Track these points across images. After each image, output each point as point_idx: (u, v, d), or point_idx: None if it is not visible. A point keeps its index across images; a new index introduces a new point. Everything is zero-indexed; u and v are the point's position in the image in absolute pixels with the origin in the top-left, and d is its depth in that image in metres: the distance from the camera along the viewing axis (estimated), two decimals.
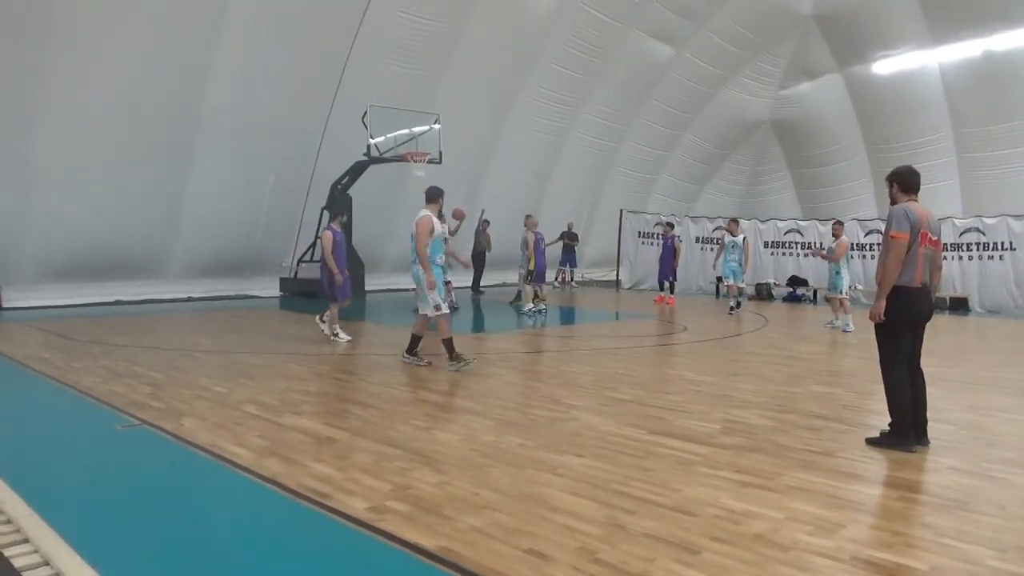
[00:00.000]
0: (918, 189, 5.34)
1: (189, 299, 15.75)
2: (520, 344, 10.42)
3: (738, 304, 15.02)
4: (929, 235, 5.19)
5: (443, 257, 8.42)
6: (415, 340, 8.19)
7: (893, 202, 5.36)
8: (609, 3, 18.66)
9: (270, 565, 3.21)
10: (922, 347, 5.35)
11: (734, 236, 15.13)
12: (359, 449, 4.87)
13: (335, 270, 9.66)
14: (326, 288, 9.95)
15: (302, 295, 16.59)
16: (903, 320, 5.14)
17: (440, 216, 8.40)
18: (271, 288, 17.19)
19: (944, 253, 17.21)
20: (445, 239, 8.40)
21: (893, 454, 4.98)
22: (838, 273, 12.90)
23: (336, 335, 9.97)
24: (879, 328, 5.22)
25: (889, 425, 5.19)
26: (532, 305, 14.00)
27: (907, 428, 5.09)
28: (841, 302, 12.71)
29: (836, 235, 13.04)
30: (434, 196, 8.11)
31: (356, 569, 3.27)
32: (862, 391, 7.28)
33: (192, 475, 4.50)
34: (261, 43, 14.23)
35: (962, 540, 3.47)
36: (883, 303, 5.13)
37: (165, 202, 14.66)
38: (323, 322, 10.12)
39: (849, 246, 13.60)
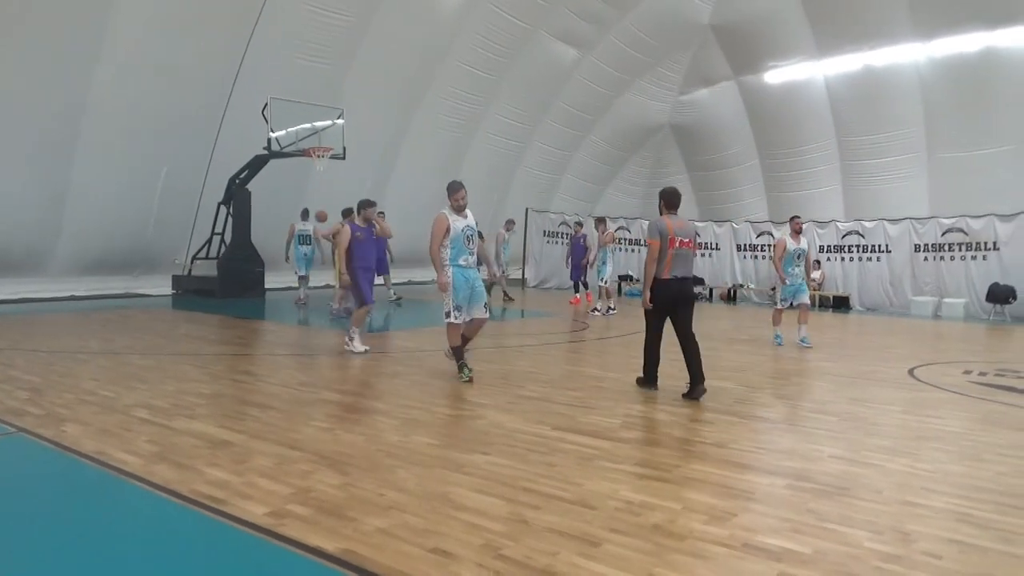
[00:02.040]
0: (677, 206, 7.03)
1: (72, 298, 14.83)
2: (427, 342, 10.35)
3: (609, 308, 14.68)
4: (678, 239, 6.76)
5: (470, 258, 7.30)
6: (457, 352, 7.40)
7: (660, 214, 7.05)
8: (517, 4, 18.80)
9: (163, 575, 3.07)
10: (691, 323, 6.96)
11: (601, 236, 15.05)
12: (257, 452, 4.72)
13: (342, 268, 9.00)
14: (354, 290, 9.23)
15: (197, 293, 15.93)
16: (660, 301, 6.84)
17: (460, 211, 7.28)
18: (163, 286, 16.41)
19: (827, 255, 18.52)
20: (468, 238, 7.25)
21: (779, 445, 5.26)
22: (604, 263, 14.58)
23: (351, 340, 9.01)
24: (648, 319, 7.07)
25: (643, 371, 7.13)
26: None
27: (651, 382, 7.09)
28: (608, 291, 14.67)
29: (600, 230, 14.66)
30: (448, 191, 7.37)
31: None
32: (752, 385, 7.64)
33: (76, 485, 4.23)
34: (152, 30, 13.56)
35: (843, 524, 3.69)
36: (648, 293, 6.89)
37: (45, 194, 13.73)
38: (351, 340, 9.04)
39: (614, 239, 15.81)
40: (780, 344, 10.66)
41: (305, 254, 15.14)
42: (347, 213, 12.67)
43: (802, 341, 10.51)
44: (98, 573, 3.10)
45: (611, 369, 8.31)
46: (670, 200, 7.01)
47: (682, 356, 6.78)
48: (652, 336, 7.04)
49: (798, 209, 21.01)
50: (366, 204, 9.52)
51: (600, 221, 15.29)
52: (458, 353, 7.42)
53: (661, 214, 7.02)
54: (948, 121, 18.46)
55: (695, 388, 6.64)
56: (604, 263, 14.63)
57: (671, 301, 6.84)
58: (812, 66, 20.62)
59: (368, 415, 5.86)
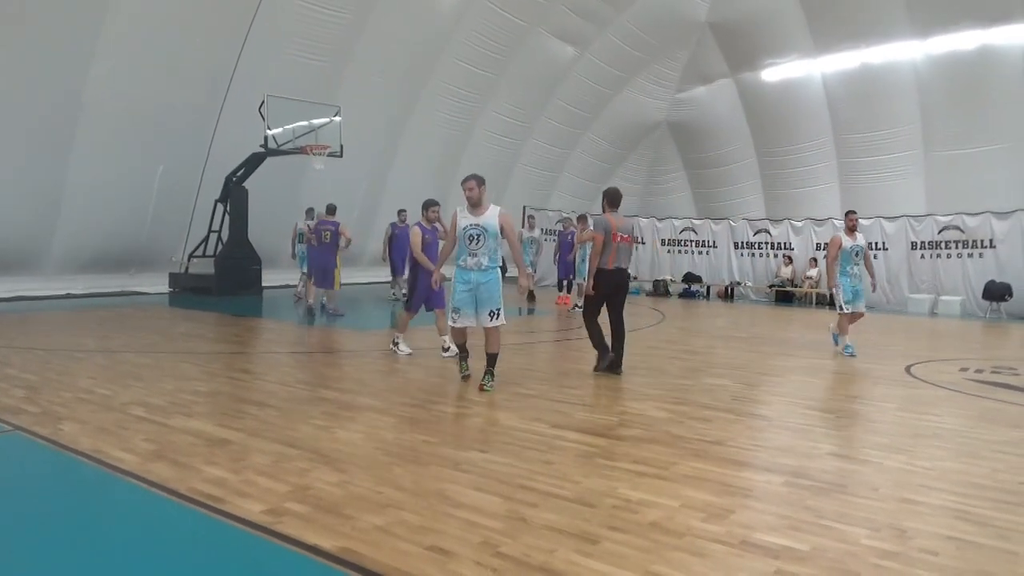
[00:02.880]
0: (619, 205, 7.84)
1: (69, 296, 14.80)
2: (423, 340, 10.34)
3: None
4: (619, 235, 7.61)
5: (469, 260, 6.75)
6: (491, 359, 6.96)
7: (603, 211, 7.81)
8: (514, 1, 18.76)
9: (161, 574, 3.06)
10: (623, 309, 7.81)
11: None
12: (255, 450, 4.71)
13: (429, 266, 8.21)
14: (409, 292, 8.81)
15: (194, 291, 15.90)
16: (600, 288, 7.64)
17: (475, 207, 6.75)
18: (160, 284, 16.38)
19: (824, 252, 18.47)
20: (471, 237, 6.68)
21: (777, 442, 5.27)
22: (584, 261, 14.00)
23: (396, 344, 8.78)
24: (587, 295, 7.86)
25: (597, 350, 7.86)
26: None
27: (604, 352, 7.74)
28: (580, 286, 14.07)
29: (582, 228, 14.37)
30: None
31: (253, 574, 3.16)
32: (749, 383, 7.65)
33: (73, 483, 4.23)
34: (148, 27, 13.52)
35: (840, 521, 3.70)
36: (591, 280, 7.70)
37: (41, 191, 13.68)
38: (396, 347, 8.78)
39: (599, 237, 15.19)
40: (852, 355, 9.50)
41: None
42: (331, 210, 12.61)
43: (846, 349, 9.67)
44: (96, 571, 3.10)
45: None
46: (612, 199, 7.83)
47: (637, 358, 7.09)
48: (593, 314, 7.86)
49: (795, 207, 21.14)
50: (431, 204, 8.93)
51: (582, 219, 15.17)
52: (461, 351, 7.29)
53: (604, 212, 7.85)
54: (945, 119, 18.47)
55: (610, 364, 7.69)
56: (584, 260, 14.27)
57: (613, 288, 7.75)
58: (809, 63, 20.61)
59: (365, 413, 5.85)
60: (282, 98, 14.97)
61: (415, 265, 8.61)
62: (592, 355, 8.01)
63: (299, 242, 14.96)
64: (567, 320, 13.43)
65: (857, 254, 9.91)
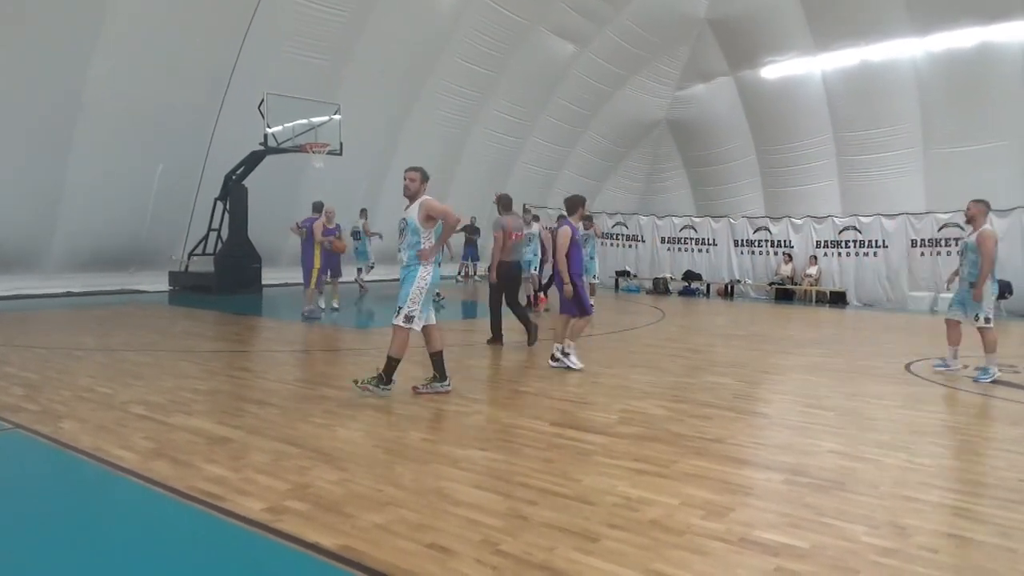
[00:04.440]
0: (511, 208, 9.67)
1: (68, 295, 14.80)
2: (422, 339, 10.34)
3: None
4: (514, 233, 9.34)
5: (400, 254, 6.45)
6: (387, 362, 6.39)
7: (499, 214, 9.57)
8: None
9: (160, 572, 3.06)
10: (516, 295, 9.45)
11: (586, 230, 14.22)
12: (255, 448, 4.71)
13: (564, 276, 7.82)
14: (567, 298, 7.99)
15: (193, 289, 15.90)
16: (500, 278, 9.31)
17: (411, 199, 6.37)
18: (160, 283, 16.38)
19: (824, 250, 18.59)
20: (399, 231, 6.38)
21: (777, 440, 5.27)
22: (592, 259, 13.96)
23: (566, 355, 7.95)
24: (492, 284, 9.45)
25: (526, 329, 9.39)
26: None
27: (499, 335, 9.46)
28: (591, 287, 13.90)
29: (586, 227, 14.03)
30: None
31: (253, 572, 3.16)
32: (749, 380, 7.65)
33: (73, 481, 4.23)
34: (147, 26, 13.51)
35: (840, 519, 3.70)
36: (494, 272, 9.34)
37: (41, 190, 13.68)
38: (564, 355, 7.99)
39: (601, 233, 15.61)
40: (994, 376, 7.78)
41: (356, 247, 15.96)
42: (318, 207, 12.37)
43: (943, 364, 8.36)
44: (96, 570, 3.10)
45: (608, 365, 8.31)
46: (506, 204, 9.65)
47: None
48: (497, 302, 9.47)
49: (795, 205, 21.13)
50: (582, 201, 8.28)
51: (588, 218, 14.96)
52: (392, 370, 6.39)
53: (500, 214, 9.53)
54: (945, 116, 18.45)
55: (532, 338, 9.30)
56: (592, 259, 14.14)
57: (511, 278, 9.49)
58: (809, 61, 20.58)
59: (365, 411, 5.85)
60: (282, 96, 14.97)
61: (570, 266, 7.95)
62: (590, 355, 8.01)
63: (355, 239, 15.52)
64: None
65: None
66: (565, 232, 7.97)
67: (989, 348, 7.80)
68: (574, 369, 7.78)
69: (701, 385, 7.29)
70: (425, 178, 6.38)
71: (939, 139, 18.67)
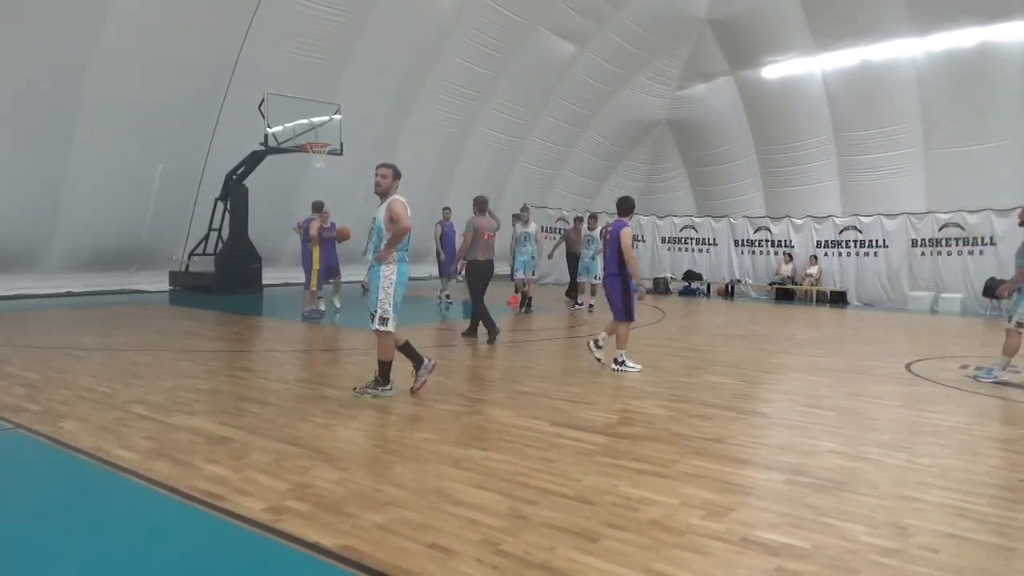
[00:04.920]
0: (485, 209, 10.17)
1: (69, 294, 14.80)
2: (423, 338, 10.35)
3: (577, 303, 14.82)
4: (487, 233, 9.93)
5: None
6: (379, 366, 6.44)
7: (474, 214, 10.05)
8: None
9: (161, 572, 3.06)
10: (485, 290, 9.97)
11: (591, 231, 14.32)
12: (256, 448, 4.71)
13: (636, 274, 7.87)
14: (618, 302, 7.98)
15: (194, 289, 15.90)
16: (473, 275, 9.99)
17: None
18: (160, 283, 16.38)
19: (825, 250, 18.59)
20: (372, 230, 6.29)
21: (777, 440, 5.27)
22: (593, 259, 13.96)
23: (623, 363, 7.88)
24: (468, 281, 10.12)
25: (487, 328, 9.82)
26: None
27: (493, 327, 9.83)
28: (593, 287, 14.12)
29: (590, 226, 14.16)
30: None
31: (254, 572, 3.16)
32: (750, 380, 7.65)
33: (74, 481, 4.23)
34: (148, 26, 13.52)
35: (840, 519, 3.70)
36: (460, 266, 10.56)
37: (41, 190, 13.68)
38: (598, 347, 8.07)
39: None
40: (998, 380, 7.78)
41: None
42: (318, 207, 12.32)
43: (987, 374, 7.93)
44: (97, 569, 3.10)
45: (609, 364, 8.29)
46: (481, 205, 10.18)
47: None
48: (479, 297, 9.99)
49: (795, 204, 21.12)
50: (634, 204, 8.26)
51: (592, 217, 14.88)
52: (387, 371, 6.35)
53: (475, 215, 10.07)
54: (945, 116, 18.45)
55: (493, 335, 9.76)
56: (594, 259, 14.11)
57: (487, 275, 10.07)
58: (809, 61, 20.59)
59: (365, 411, 5.85)
60: (282, 96, 14.96)
61: (622, 270, 7.91)
62: (586, 354, 8.02)
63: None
64: (567, 319, 13.43)
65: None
66: (628, 232, 7.87)
67: (1007, 351, 7.75)
68: (635, 372, 7.78)
69: (701, 385, 7.29)
70: (396, 175, 6.29)
71: (939, 139, 18.68)
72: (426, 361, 6.49)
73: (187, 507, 3.71)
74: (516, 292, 14.29)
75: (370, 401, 6.19)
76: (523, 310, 13.66)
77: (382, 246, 6.17)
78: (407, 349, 6.45)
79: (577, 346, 10.00)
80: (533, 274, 14.05)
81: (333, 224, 12.30)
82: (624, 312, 7.95)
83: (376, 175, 6.30)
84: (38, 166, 13.49)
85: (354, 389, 6.39)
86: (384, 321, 6.19)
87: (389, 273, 6.19)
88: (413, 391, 6.44)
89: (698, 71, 23.38)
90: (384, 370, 6.33)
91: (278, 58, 15.53)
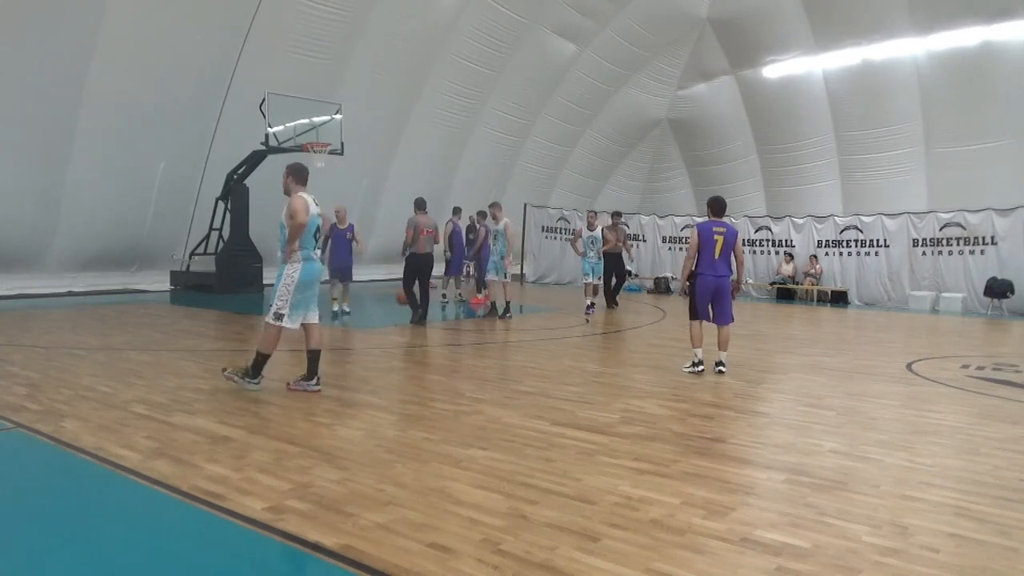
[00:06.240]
0: (424, 209, 11.29)
1: (70, 294, 14.81)
2: (423, 338, 10.36)
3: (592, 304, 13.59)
4: (425, 230, 11.09)
5: (317, 253, 6.61)
6: (417, 312, 7.02)
7: (415, 213, 11.19)
8: None
9: (162, 571, 3.06)
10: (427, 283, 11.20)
11: (591, 231, 13.75)
12: (256, 448, 4.72)
13: (742, 277, 7.73)
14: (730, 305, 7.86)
15: (195, 289, 15.91)
16: (410, 268, 11.10)
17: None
18: (161, 282, 16.38)
19: (825, 249, 18.57)
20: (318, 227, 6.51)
21: (778, 439, 5.27)
22: (598, 260, 13.76)
23: (697, 365, 7.80)
24: (406, 270, 11.20)
25: (412, 308, 11.21)
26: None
27: (416, 309, 11.24)
28: (595, 288, 13.76)
29: (591, 227, 13.81)
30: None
31: (255, 571, 3.17)
32: (750, 380, 7.64)
33: (75, 480, 4.23)
34: (148, 25, 13.51)
35: (841, 518, 3.70)
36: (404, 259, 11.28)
37: (42, 190, 13.68)
38: (722, 366, 7.87)
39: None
40: None
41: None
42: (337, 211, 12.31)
43: None
44: (97, 569, 3.10)
45: (609, 364, 8.30)
46: (419, 205, 11.31)
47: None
48: (411, 288, 11.16)
49: (796, 204, 21.11)
50: (722, 204, 7.98)
51: (592, 216, 14.67)
52: (260, 365, 6.42)
53: (415, 213, 11.11)
54: (946, 115, 18.44)
55: (422, 316, 11.14)
56: (598, 260, 13.84)
57: (427, 268, 11.20)
58: (810, 60, 20.57)
59: (365, 410, 5.86)
60: (283, 96, 14.96)
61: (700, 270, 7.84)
62: (590, 354, 8.01)
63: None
64: (568, 319, 13.41)
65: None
66: (740, 233, 7.79)
67: None
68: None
69: (702, 384, 7.28)
70: (291, 173, 6.54)
71: (941, 138, 18.66)
72: (315, 381, 6.49)
73: (188, 507, 3.71)
74: (479, 292, 14.12)
75: (371, 400, 6.19)
76: (507, 315, 12.39)
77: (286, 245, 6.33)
78: (314, 357, 6.50)
79: (577, 346, 9.98)
80: (506, 276, 12.45)
81: (351, 225, 12.15)
82: (691, 311, 7.90)
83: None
84: (40, 165, 13.49)
85: (224, 369, 6.54)
86: (279, 317, 6.30)
87: (292, 272, 6.30)
88: (289, 386, 6.48)
89: (699, 70, 23.36)
90: (258, 362, 6.39)
91: (279, 58, 15.52)
